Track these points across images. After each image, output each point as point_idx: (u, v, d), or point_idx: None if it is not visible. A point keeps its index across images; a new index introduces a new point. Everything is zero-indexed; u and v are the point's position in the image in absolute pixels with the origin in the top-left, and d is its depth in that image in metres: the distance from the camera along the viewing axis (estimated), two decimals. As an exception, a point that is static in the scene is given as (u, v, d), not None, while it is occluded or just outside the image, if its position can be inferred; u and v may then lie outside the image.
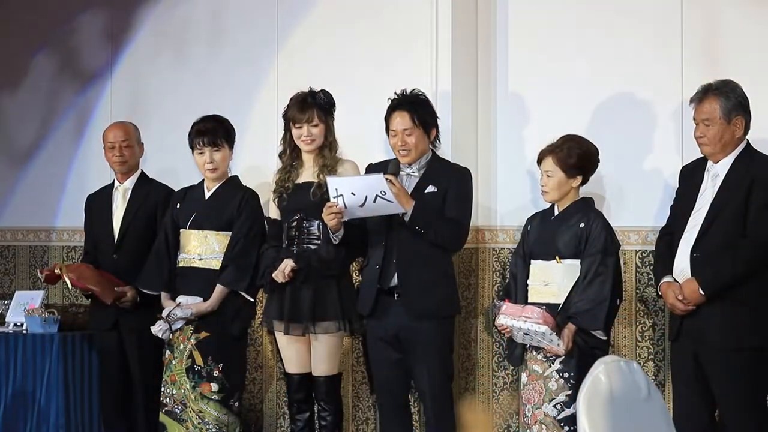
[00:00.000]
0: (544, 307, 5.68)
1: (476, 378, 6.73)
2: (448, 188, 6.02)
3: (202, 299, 6.40)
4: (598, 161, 5.89)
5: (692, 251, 5.53)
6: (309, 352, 6.32)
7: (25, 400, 7.12)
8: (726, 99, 5.52)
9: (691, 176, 5.72)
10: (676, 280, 5.60)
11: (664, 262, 5.70)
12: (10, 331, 7.25)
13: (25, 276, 8.27)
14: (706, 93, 5.57)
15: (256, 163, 7.05)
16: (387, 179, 5.86)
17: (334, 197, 5.89)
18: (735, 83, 5.58)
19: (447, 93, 6.62)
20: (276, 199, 6.37)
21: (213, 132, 6.48)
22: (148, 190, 7.01)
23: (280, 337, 6.37)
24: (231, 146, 6.56)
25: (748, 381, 5.50)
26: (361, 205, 5.86)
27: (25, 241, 8.28)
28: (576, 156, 5.79)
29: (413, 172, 6.06)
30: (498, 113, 6.79)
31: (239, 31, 7.48)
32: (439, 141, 6.18)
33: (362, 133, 6.82)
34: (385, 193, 5.80)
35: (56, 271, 6.93)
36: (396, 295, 6.01)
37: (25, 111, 8.30)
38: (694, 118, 5.62)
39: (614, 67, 6.45)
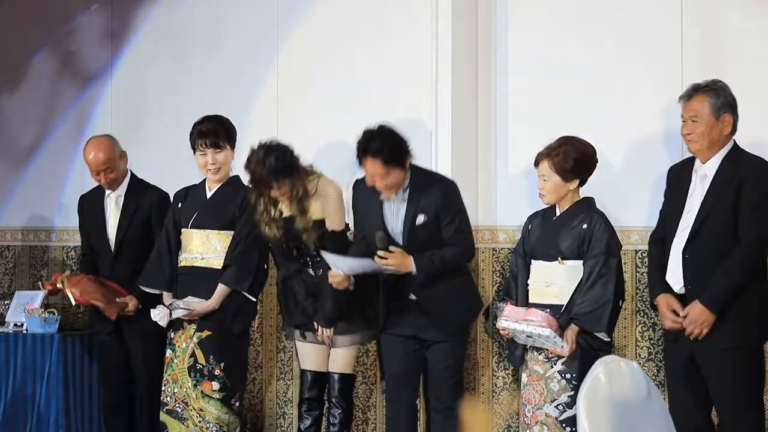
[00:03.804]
0: (548, 310, 5.67)
1: (476, 378, 6.72)
2: (438, 213, 5.97)
3: (204, 300, 6.41)
4: (596, 161, 5.87)
5: (683, 253, 5.54)
6: (326, 351, 6.38)
7: (25, 400, 7.12)
8: (715, 97, 5.54)
9: (679, 177, 5.71)
10: (671, 290, 5.60)
11: (658, 275, 5.68)
12: (10, 331, 7.26)
13: (25, 276, 8.26)
14: (695, 91, 5.59)
15: (256, 163, 7.05)
16: (379, 255, 5.88)
17: (334, 268, 5.97)
18: (724, 83, 5.60)
19: (447, 93, 6.61)
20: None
21: (215, 133, 6.48)
22: (140, 195, 6.97)
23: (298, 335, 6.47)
24: (233, 146, 6.57)
25: (745, 380, 5.51)
26: (360, 273, 5.96)
27: (25, 241, 8.28)
28: (572, 160, 5.77)
29: (396, 199, 6.02)
30: (498, 113, 6.78)
31: (239, 31, 7.48)
32: (413, 157, 6.00)
33: (361, 132, 6.81)
34: (379, 267, 5.88)
35: (58, 285, 6.91)
36: (413, 297, 6.03)
37: (25, 111, 8.30)
38: (682, 116, 5.63)
39: (614, 66, 6.45)
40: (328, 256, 5.99)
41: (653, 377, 6.17)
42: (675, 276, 5.58)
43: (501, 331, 5.87)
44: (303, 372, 6.48)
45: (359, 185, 6.18)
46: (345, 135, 6.97)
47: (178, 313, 6.38)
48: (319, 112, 7.14)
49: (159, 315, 6.42)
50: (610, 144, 6.34)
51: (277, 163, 6.15)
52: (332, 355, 6.39)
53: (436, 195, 5.99)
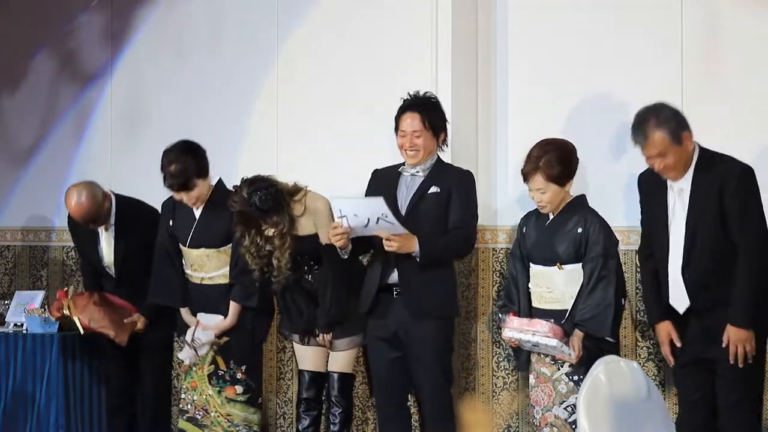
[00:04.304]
0: (551, 320, 5.65)
1: (476, 378, 6.72)
2: (451, 189, 6.01)
3: (222, 316, 6.45)
4: (577, 156, 5.83)
5: (683, 273, 5.50)
6: (325, 352, 6.41)
7: (25, 400, 7.12)
8: (668, 123, 5.43)
9: (653, 188, 5.64)
10: (670, 315, 5.58)
11: (655, 298, 5.66)
12: (10, 331, 7.26)
13: (25, 276, 8.26)
14: (645, 129, 5.44)
15: (256, 164, 7.04)
16: (386, 239, 5.86)
17: (338, 217, 5.89)
18: (662, 104, 5.50)
19: (447, 93, 6.61)
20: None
21: (182, 174, 6.36)
22: (131, 219, 6.90)
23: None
24: (206, 175, 6.46)
25: (749, 381, 5.50)
26: (365, 226, 5.86)
27: (25, 241, 8.28)
28: (558, 164, 5.72)
29: (417, 172, 6.06)
30: (498, 113, 6.78)
31: (239, 31, 7.48)
32: (447, 145, 6.16)
33: (363, 132, 6.82)
34: (387, 216, 5.80)
35: (65, 311, 6.87)
36: (396, 291, 6.01)
37: (25, 111, 8.30)
38: (645, 155, 5.50)
39: (614, 67, 6.45)
40: (335, 200, 5.94)
41: (653, 377, 6.17)
42: (679, 298, 5.53)
43: (507, 340, 5.85)
44: (301, 372, 6.50)
45: (377, 172, 6.23)
46: (345, 135, 6.98)
47: (203, 350, 6.46)
48: (319, 112, 7.14)
49: (187, 356, 6.49)
50: (611, 143, 6.34)
51: (262, 202, 6.14)
52: (332, 355, 6.41)
53: (454, 176, 6.08)
